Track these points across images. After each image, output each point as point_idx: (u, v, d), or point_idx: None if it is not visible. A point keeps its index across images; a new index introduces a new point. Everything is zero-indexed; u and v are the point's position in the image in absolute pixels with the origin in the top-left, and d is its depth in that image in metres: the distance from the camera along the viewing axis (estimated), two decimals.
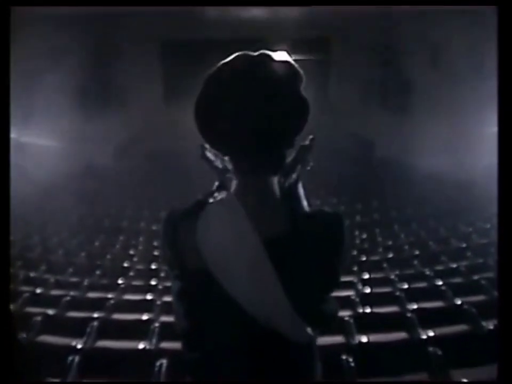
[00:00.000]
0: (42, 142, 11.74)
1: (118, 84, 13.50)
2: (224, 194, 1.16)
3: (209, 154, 1.40)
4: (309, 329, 1.04)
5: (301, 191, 1.32)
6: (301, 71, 1.13)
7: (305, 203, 1.30)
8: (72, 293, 4.98)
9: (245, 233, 1.03)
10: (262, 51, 1.12)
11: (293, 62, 1.13)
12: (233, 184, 1.14)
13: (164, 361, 2.69)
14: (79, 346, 3.09)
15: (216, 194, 1.21)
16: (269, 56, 1.11)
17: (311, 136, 1.31)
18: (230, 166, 1.13)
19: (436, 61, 12.31)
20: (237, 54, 1.12)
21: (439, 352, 2.58)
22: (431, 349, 2.61)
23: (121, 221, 10.00)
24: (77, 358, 2.74)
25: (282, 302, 1.00)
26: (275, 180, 1.14)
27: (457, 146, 11.02)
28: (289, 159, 1.26)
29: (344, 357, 2.62)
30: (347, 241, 1.14)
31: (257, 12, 12.33)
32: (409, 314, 3.36)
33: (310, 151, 1.34)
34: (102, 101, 13.06)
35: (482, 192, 8.76)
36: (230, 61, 1.11)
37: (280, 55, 1.13)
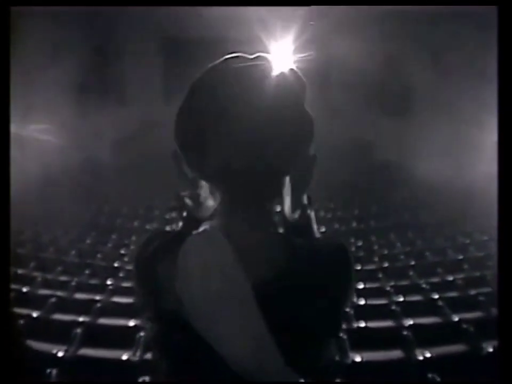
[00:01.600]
0: (39, 137, 11.61)
1: (118, 81, 13.39)
2: (207, 225, 0.95)
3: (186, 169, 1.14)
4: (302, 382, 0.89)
5: (309, 218, 1.12)
6: (305, 80, 0.95)
7: (314, 229, 1.12)
8: (59, 293, 4.86)
9: (232, 277, 0.86)
10: (259, 53, 0.93)
11: (295, 68, 0.95)
12: (219, 214, 0.97)
13: (147, 378, 2.57)
14: (59, 354, 2.96)
15: (196, 223, 1.03)
16: (268, 60, 0.92)
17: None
18: (215, 192, 0.96)
19: (437, 65, 12.20)
20: (228, 56, 0.92)
21: (438, 379, 2.47)
22: (430, 375, 2.50)
23: (115, 218, 9.88)
24: (55, 371, 2.60)
25: (272, 356, 0.84)
26: (272, 211, 0.97)
27: (457, 153, 10.92)
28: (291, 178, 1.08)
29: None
30: (354, 282, 0.98)
31: (259, 12, 12.24)
32: (405, 332, 3.24)
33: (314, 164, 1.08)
34: (101, 98, 12.95)
35: (481, 203, 8.69)
36: (220, 64, 0.92)
37: (280, 60, 0.94)
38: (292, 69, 0.94)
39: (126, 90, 13.47)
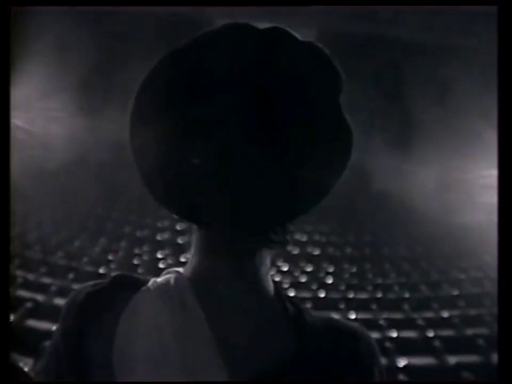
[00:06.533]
0: (36, 135, 11.46)
1: (121, 83, 13.26)
2: (171, 275, 0.63)
3: None
4: None
5: None
6: (342, 73, 0.64)
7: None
8: (38, 297, 4.62)
9: (204, 364, 0.56)
10: (276, 25, 0.60)
11: (328, 52, 0.63)
12: (192, 256, 0.64)
13: None
14: (25, 369, 2.72)
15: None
16: (291, 36, 0.60)
17: None
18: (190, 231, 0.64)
19: (443, 99, 12.14)
20: (225, 24, 0.59)
21: None
22: None
23: (105, 222, 9.66)
24: None
25: None
26: (268, 264, 0.64)
27: (457, 189, 10.82)
28: None
29: None
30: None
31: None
32: (400, 375, 3.03)
33: None
34: (103, 99, 12.85)
35: (478, 238, 8.52)
36: (209, 35, 0.59)
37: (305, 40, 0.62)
38: (324, 53, 0.62)
39: (128, 94, 13.33)
